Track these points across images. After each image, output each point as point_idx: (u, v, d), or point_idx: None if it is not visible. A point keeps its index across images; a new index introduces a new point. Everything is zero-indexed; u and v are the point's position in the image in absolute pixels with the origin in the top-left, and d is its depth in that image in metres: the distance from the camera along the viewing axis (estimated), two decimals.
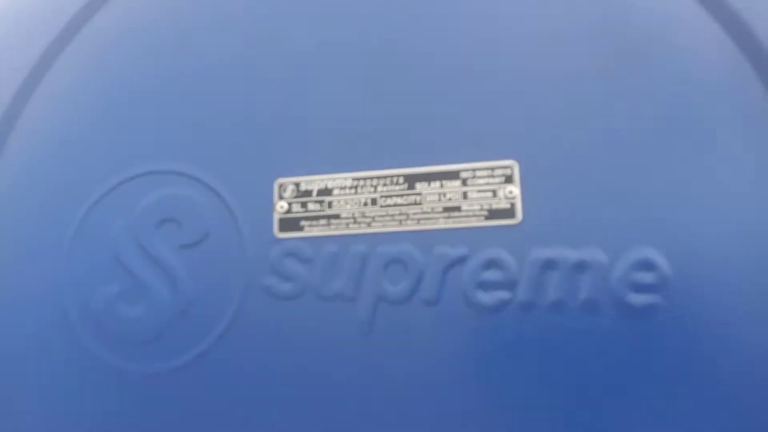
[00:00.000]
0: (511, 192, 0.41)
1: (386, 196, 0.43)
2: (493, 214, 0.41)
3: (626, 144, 0.41)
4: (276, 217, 0.44)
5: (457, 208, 0.42)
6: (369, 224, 0.43)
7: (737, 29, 0.42)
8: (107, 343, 0.45)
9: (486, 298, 0.40)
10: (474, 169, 0.42)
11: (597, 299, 0.39)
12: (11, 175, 0.49)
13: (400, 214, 0.43)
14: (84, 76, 0.50)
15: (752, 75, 0.42)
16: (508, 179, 0.42)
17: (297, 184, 0.44)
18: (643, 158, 0.41)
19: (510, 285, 0.40)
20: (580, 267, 0.39)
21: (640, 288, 0.39)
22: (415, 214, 0.42)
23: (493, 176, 0.42)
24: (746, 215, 0.38)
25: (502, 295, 0.40)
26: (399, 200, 0.43)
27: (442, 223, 0.42)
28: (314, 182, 0.44)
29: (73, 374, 0.46)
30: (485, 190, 0.42)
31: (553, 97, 0.42)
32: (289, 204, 0.44)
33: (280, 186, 0.44)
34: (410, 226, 0.42)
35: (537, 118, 0.42)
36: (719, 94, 0.41)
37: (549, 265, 0.40)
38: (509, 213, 0.41)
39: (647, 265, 0.39)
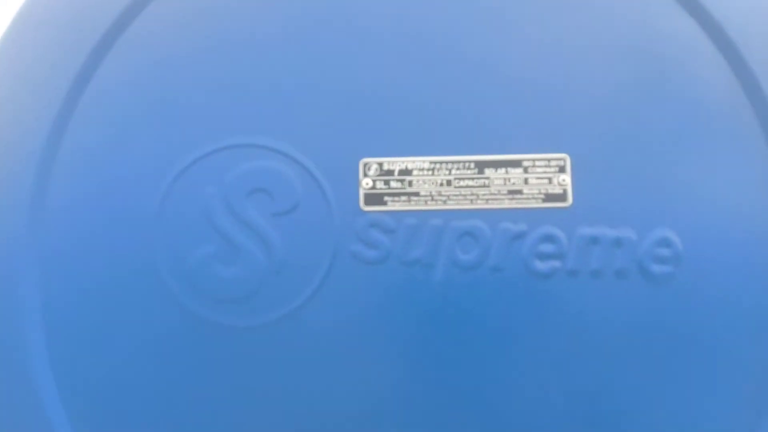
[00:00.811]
0: (563, 180, 0.50)
1: (459, 179, 0.50)
2: (548, 197, 0.48)
3: (654, 144, 0.50)
4: (362, 192, 0.49)
5: (519, 192, 0.49)
6: (444, 202, 0.49)
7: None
8: (201, 300, 0.48)
9: (541, 266, 0.48)
10: (534, 160, 0.50)
11: (627, 268, 0.48)
12: (99, 137, 0.51)
13: (471, 194, 0.49)
14: (171, 44, 0.52)
15: (739, 90, 0.53)
16: (561, 169, 0.50)
17: (380, 164, 0.50)
18: (666, 156, 0.51)
19: (561, 256, 0.47)
20: (616, 242, 0.48)
21: (660, 260, 0.49)
22: (483, 195, 0.49)
23: (549, 166, 0.50)
24: (746, 207, 0.49)
25: (554, 264, 0.47)
26: (470, 183, 0.50)
27: (507, 204, 0.49)
28: (396, 163, 0.50)
29: (166, 331, 0.48)
30: (542, 177, 0.50)
31: (598, 102, 0.51)
32: (374, 181, 0.50)
33: (365, 165, 0.50)
34: (480, 205, 0.48)
35: (585, 119, 0.50)
36: (720, 105, 0.51)
37: (592, 240, 0.48)
38: (562, 197, 0.49)
39: (666, 243, 0.49)
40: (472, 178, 0.49)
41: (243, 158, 0.50)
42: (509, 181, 0.49)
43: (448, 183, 0.48)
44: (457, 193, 0.48)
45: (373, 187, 0.48)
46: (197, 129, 0.50)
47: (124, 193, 0.50)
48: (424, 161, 0.49)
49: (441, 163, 0.49)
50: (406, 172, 0.49)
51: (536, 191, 0.48)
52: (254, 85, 0.50)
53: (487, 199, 0.48)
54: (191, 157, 0.50)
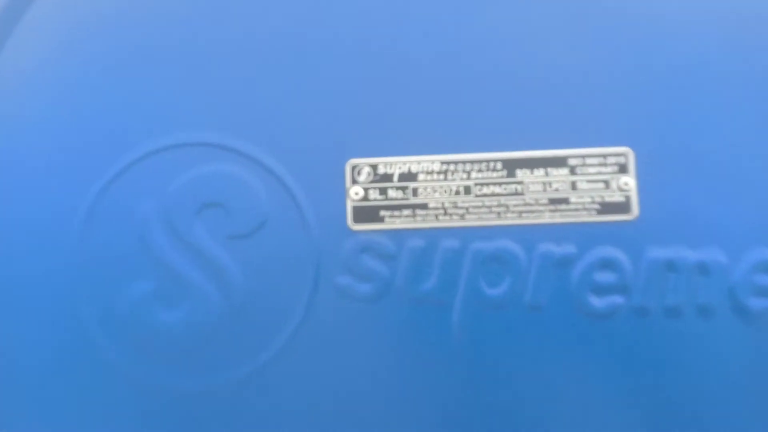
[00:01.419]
0: (626, 183, 0.37)
1: (482, 184, 0.37)
2: (605, 207, 0.37)
3: (753, 136, 0.38)
4: (349, 204, 0.38)
5: (565, 200, 0.37)
6: (462, 216, 0.37)
7: None
8: (136, 355, 0.38)
9: (597, 302, 0.37)
10: (584, 156, 0.37)
11: (716, 303, 0.36)
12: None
13: (499, 205, 0.37)
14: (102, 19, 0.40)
15: None
16: (623, 168, 0.37)
17: (374, 167, 0.38)
18: (763, 152, 0.38)
19: (624, 288, 0.37)
20: (700, 268, 0.36)
21: (760, 291, 0.36)
22: (516, 205, 0.37)
23: (605, 164, 0.37)
24: None
25: (616, 299, 0.37)
26: (497, 189, 0.37)
27: (548, 217, 0.37)
28: (395, 165, 0.38)
29: (92, 395, 0.38)
30: (596, 180, 0.37)
31: (676, 77, 0.38)
32: (365, 190, 0.38)
33: (354, 168, 0.38)
34: (510, 220, 0.37)
35: (655, 99, 0.38)
36: None
37: (667, 266, 0.36)
38: (623, 207, 0.37)
39: (767, 267, 0.36)
40: (499, 183, 0.39)
41: (190, 162, 0.40)
42: (550, 186, 0.38)
43: (467, 190, 0.38)
44: (479, 203, 0.38)
45: (365, 198, 0.39)
46: (129, 125, 0.39)
47: (33, 210, 0.38)
48: (433, 161, 0.39)
49: (456, 163, 0.39)
50: (409, 176, 0.39)
51: (588, 199, 0.38)
52: (202, 69, 0.39)
53: (521, 212, 0.39)
54: (121, 161, 0.38)
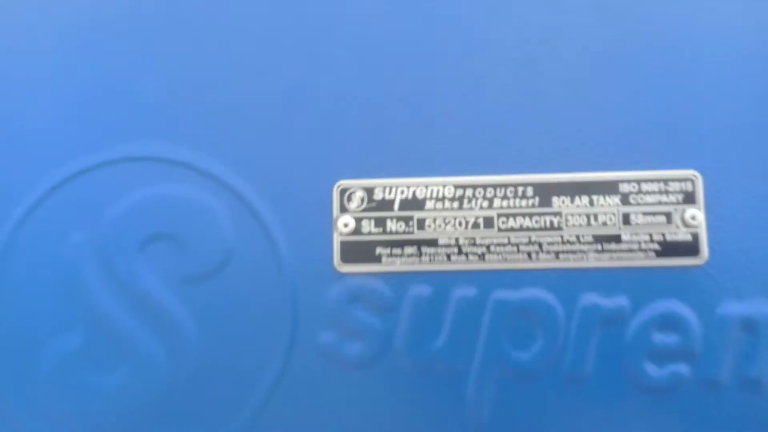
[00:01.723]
0: (693, 217, 0.29)
1: (508, 215, 0.30)
2: (666, 248, 0.30)
3: None
4: (337, 239, 0.30)
5: (615, 238, 0.30)
6: (481, 256, 0.30)
7: None
8: (62, 427, 0.29)
9: (656, 371, 0.29)
10: (639, 180, 0.30)
11: None
12: None
13: (529, 242, 0.30)
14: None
15: None
16: (689, 198, 0.30)
17: (369, 191, 0.30)
18: None
19: (690, 353, 0.30)
20: None
21: None
22: (551, 243, 0.30)
23: (666, 192, 0.30)
24: None
25: (679, 367, 0.29)
26: (527, 222, 0.30)
27: (593, 260, 0.30)
28: (396, 188, 0.30)
29: None
30: (655, 212, 0.30)
31: (753, 86, 0.30)
32: (358, 220, 0.30)
33: (343, 192, 0.30)
34: (544, 262, 0.30)
35: (729, 114, 0.30)
36: None
37: (744, 325, 0.29)
38: (690, 248, 0.30)
39: None
40: (530, 214, 0.32)
41: (133, 182, 0.32)
42: (596, 218, 0.31)
43: (488, 223, 0.31)
44: (504, 239, 0.31)
45: (357, 231, 0.32)
46: (54, 134, 0.31)
47: None
48: (444, 185, 0.32)
49: (475, 187, 0.32)
50: (413, 203, 0.32)
51: (644, 237, 0.31)
52: (151, 67, 0.32)
53: (558, 252, 0.31)
54: (44, 182, 0.30)
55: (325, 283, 0.31)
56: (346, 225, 0.31)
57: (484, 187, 0.31)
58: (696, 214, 0.31)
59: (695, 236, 0.30)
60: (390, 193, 0.31)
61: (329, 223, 0.31)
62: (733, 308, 0.30)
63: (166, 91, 0.32)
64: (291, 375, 0.30)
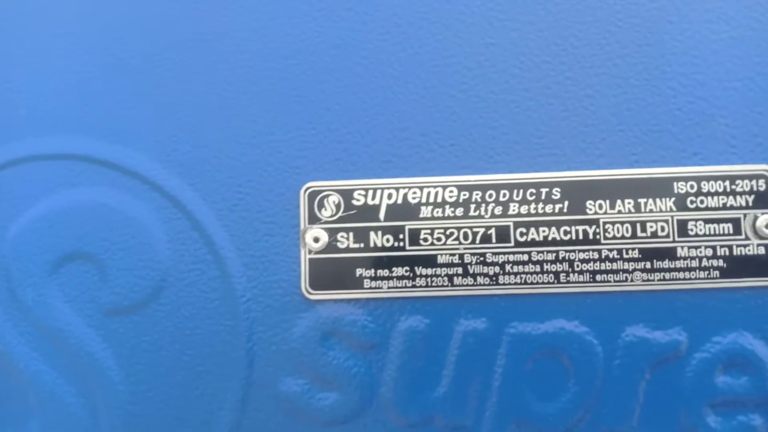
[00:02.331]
0: (767, 225, 0.22)
1: (528, 224, 0.23)
2: (733, 265, 0.24)
3: None
4: (304, 257, 0.23)
5: (668, 253, 0.23)
6: (494, 278, 0.23)
7: None
8: None
9: (720, 424, 0.23)
10: (698, 178, 0.23)
11: None
12: None
13: (557, 260, 0.23)
14: None
15: None
16: (762, 200, 0.23)
17: (346, 194, 0.23)
18: None
19: (764, 401, 0.23)
20: None
21: None
22: (585, 261, 0.23)
23: (733, 193, 0.23)
24: None
25: (751, 419, 0.23)
26: (553, 233, 0.23)
27: (639, 282, 0.23)
28: (380, 191, 0.23)
29: None
30: (720, 219, 0.23)
31: None
32: (331, 233, 0.23)
33: (312, 196, 0.23)
34: (576, 286, 0.24)
35: None
36: None
37: None
38: (764, 265, 0.23)
39: None
40: (557, 224, 0.25)
41: (43, 188, 0.26)
42: (643, 228, 0.25)
43: (503, 236, 0.25)
44: (524, 257, 0.25)
45: (331, 247, 0.25)
46: None
47: None
48: (444, 185, 0.25)
49: (484, 188, 0.25)
50: (404, 209, 0.25)
51: (707, 252, 0.24)
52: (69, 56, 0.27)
53: (594, 272, 0.24)
54: None
55: (290, 315, 0.25)
56: (316, 239, 0.25)
57: (497, 188, 0.25)
58: None
59: None
60: (373, 197, 0.25)
61: (295, 238, 0.25)
62: None
63: (86, 75, 0.26)
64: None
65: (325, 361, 0.25)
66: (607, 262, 0.25)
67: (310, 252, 0.25)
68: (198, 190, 0.25)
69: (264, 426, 0.25)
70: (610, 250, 0.25)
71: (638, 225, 0.25)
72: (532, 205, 0.25)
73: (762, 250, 0.25)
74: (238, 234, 0.25)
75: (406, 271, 0.25)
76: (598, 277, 0.25)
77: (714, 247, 0.25)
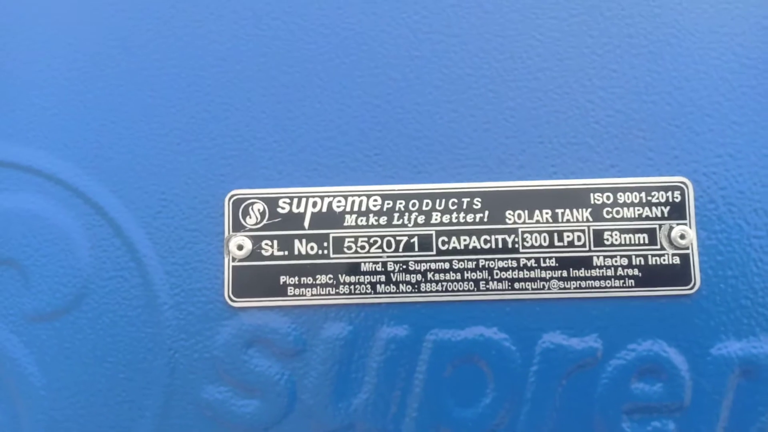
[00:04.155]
0: (682, 236, 0.23)
1: (449, 233, 0.23)
2: (648, 275, 0.24)
3: None
4: (228, 265, 0.24)
5: (584, 262, 0.24)
6: (416, 287, 0.23)
7: None
8: None
9: (635, 430, 0.24)
10: (615, 189, 0.24)
11: None
12: None
13: (477, 268, 0.24)
14: None
15: None
16: (676, 211, 0.24)
17: (271, 202, 0.24)
18: None
19: (677, 407, 0.24)
20: None
21: None
22: (505, 269, 0.24)
23: (649, 204, 0.24)
24: None
25: (665, 425, 0.24)
26: (474, 242, 0.23)
27: (556, 290, 0.24)
28: (305, 199, 0.24)
29: None
30: (635, 229, 0.24)
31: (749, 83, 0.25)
32: (255, 241, 0.23)
33: (237, 204, 0.24)
34: (495, 293, 0.24)
35: (723, 111, 0.24)
36: None
37: (747, 370, 0.23)
38: (678, 274, 0.24)
39: None
40: (478, 233, 0.25)
41: None
42: (560, 237, 0.25)
43: (424, 245, 0.25)
44: (445, 265, 0.25)
45: (255, 254, 0.25)
46: None
47: None
48: (367, 195, 0.26)
49: (407, 198, 0.26)
50: (328, 218, 0.25)
51: (621, 261, 0.25)
52: None
53: (512, 280, 0.25)
54: None
55: (213, 322, 0.25)
56: (240, 247, 0.25)
57: (420, 198, 0.25)
58: (685, 231, 0.26)
59: (684, 259, 0.25)
60: (298, 205, 0.25)
61: (219, 245, 0.25)
62: (732, 349, 0.25)
63: (10, 82, 0.25)
64: None
65: (248, 369, 0.25)
66: (525, 270, 0.25)
67: (233, 260, 0.25)
68: (121, 197, 0.25)
69: (185, 423, 0.25)
70: (528, 259, 0.25)
71: (555, 234, 0.26)
72: (454, 215, 0.26)
73: (677, 260, 0.26)
74: (161, 241, 0.25)
75: (330, 278, 0.25)
76: (517, 285, 0.25)
77: (629, 257, 0.26)
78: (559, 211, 0.25)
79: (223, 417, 0.25)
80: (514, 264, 0.25)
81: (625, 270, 0.26)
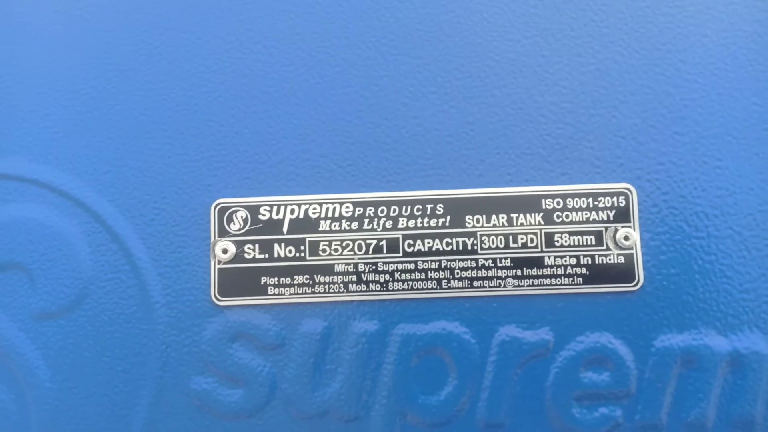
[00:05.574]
0: (626, 237, 0.25)
1: (415, 237, 0.26)
2: (595, 273, 0.27)
3: None
4: (214, 267, 0.26)
5: (537, 262, 0.26)
6: (384, 285, 0.26)
7: None
8: None
9: (585, 415, 0.25)
10: (564, 196, 0.26)
11: (758, 414, 0.25)
12: None
13: (439, 268, 0.26)
14: None
15: None
16: (621, 215, 0.26)
17: (252, 210, 0.26)
18: None
19: (623, 395, 0.26)
20: (734, 362, 0.25)
21: None
22: (464, 269, 0.26)
23: (595, 209, 0.26)
24: None
25: (612, 411, 0.26)
26: (437, 244, 0.26)
27: (512, 287, 0.26)
28: (283, 207, 0.26)
29: None
30: (583, 231, 0.26)
31: (690, 92, 0.27)
32: (239, 245, 0.26)
33: (222, 211, 0.26)
34: (456, 291, 0.27)
35: (664, 121, 0.27)
36: None
37: (688, 361, 0.25)
38: (623, 273, 0.26)
39: None
40: (441, 236, 0.28)
41: None
42: (515, 240, 0.28)
43: (392, 246, 0.28)
44: (411, 266, 0.27)
45: (238, 257, 0.28)
46: None
47: None
48: (341, 202, 0.28)
49: (377, 205, 0.28)
50: (305, 224, 0.28)
51: (570, 261, 0.28)
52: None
53: (472, 279, 0.28)
54: None
55: (201, 319, 0.27)
56: (225, 251, 0.27)
57: (388, 204, 0.27)
58: (629, 233, 0.27)
59: (629, 259, 0.27)
60: (277, 212, 0.27)
61: (205, 249, 0.27)
62: (672, 341, 0.27)
63: (7, 96, 0.28)
64: (159, 426, 0.26)
65: (232, 361, 0.27)
66: (483, 269, 0.27)
67: (219, 262, 0.28)
68: (117, 206, 0.27)
69: (176, 420, 0.27)
70: (486, 259, 0.28)
71: (510, 237, 0.28)
72: (419, 220, 0.28)
73: (622, 260, 0.28)
74: (153, 246, 0.27)
75: (306, 279, 0.27)
76: (476, 283, 0.27)
77: (578, 257, 0.28)
78: (514, 215, 0.27)
79: (210, 405, 0.27)
80: (473, 264, 0.27)
81: (574, 269, 0.27)
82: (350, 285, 0.27)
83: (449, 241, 0.27)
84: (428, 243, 0.27)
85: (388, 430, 0.27)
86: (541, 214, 0.27)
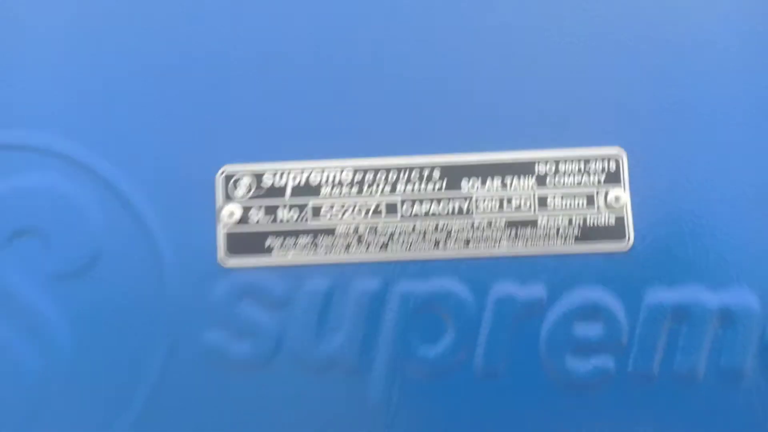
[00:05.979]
0: (616, 198, 0.27)
1: (413, 200, 0.27)
2: (587, 233, 0.28)
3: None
4: (221, 230, 0.28)
5: (531, 223, 0.27)
6: (384, 246, 0.27)
7: None
8: None
9: (578, 365, 0.27)
10: (556, 160, 0.27)
11: (745, 364, 0.26)
12: None
13: (437, 229, 0.27)
14: None
15: None
16: (611, 178, 0.27)
17: (258, 176, 0.28)
18: None
19: (615, 346, 0.28)
20: (723, 316, 0.26)
21: None
22: (461, 230, 0.28)
23: (587, 172, 0.27)
24: None
25: (604, 360, 0.27)
26: (434, 207, 0.27)
27: (506, 247, 0.27)
28: (288, 173, 0.28)
29: None
30: (575, 194, 0.27)
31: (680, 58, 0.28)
32: (245, 209, 0.27)
33: (229, 178, 0.28)
34: (453, 251, 0.28)
35: (654, 85, 0.28)
36: None
37: (677, 315, 0.26)
38: (614, 232, 0.28)
39: None
40: (438, 199, 0.29)
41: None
42: (509, 202, 0.28)
43: (391, 209, 0.29)
44: (409, 227, 0.29)
45: (244, 221, 0.29)
46: None
47: None
48: (342, 168, 0.29)
49: (376, 170, 0.29)
50: (307, 189, 0.29)
51: (563, 222, 0.29)
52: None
53: (468, 240, 0.29)
54: None
55: (210, 279, 0.28)
56: (231, 214, 0.28)
57: (387, 170, 0.28)
58: (620, 195, 0.28)
59: (619, 219, 0.28)
60: (281, 178, 0.28)
61: (213, 213, 0.28)
62: (662, 296, 0.28)
63: (20, 69, 0.29)
64: (173, 378, 0.28)
65: (240, 318, 0.29)
66: (478, 230, 0.29)
67: (225, 226, 0.29)
68: (126, 172, 0.29)
69: (189, 371, 0.29)
70: (481, 221, 0.29)
71: (505, 200, 0.29)
72: (416, 185, 0.29)
73: (612, 220, 0.29)
74: (162, 211, 0.29)
75: (309, 240, 0.29)
76: (471, 244, 0.28)
77: (570, 218, 0.29)
78: (508, 179, 0.28)
79: (220, 359, 0.28)
80: (469, 225, 0.28)
81: (566, 230, 0.29)
82: (351, 246, 0.29)
83: (446, 204, 0.28)
84: (426, 206, 0.29)
85: (389, 381, 0.28)
86: (534, 177, 0.29)
